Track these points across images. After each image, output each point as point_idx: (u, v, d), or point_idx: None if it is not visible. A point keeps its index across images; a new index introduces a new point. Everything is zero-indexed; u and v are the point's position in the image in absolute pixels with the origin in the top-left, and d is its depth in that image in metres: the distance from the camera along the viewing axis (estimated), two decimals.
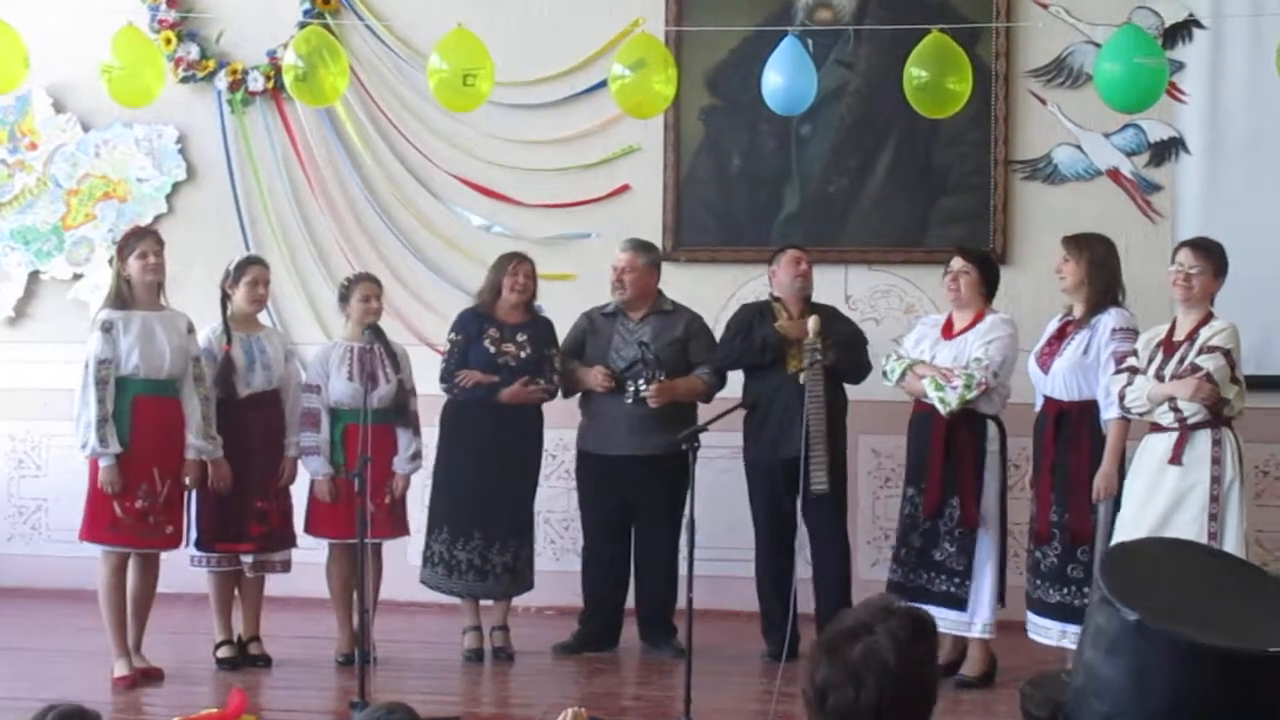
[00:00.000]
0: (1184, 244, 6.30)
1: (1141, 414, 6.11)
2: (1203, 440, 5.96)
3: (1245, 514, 5.93)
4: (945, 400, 6.51)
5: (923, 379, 6.60)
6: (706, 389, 7.24)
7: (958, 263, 6.79)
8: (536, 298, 7.33)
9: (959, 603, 6.59)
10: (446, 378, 7.17)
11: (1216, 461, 5.93)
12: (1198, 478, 5.94)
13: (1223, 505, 5.90)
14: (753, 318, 7.21)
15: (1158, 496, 6.00)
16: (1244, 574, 2.23)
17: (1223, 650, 2.00)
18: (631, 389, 7.09)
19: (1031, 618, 6.47)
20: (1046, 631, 6.39)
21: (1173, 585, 2.12)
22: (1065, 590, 6.31)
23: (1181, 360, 6.00)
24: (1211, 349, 5.95)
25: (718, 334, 7.44)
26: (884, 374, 6.81)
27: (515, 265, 7.20)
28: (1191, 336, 6.05)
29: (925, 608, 6.62)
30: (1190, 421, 5.96)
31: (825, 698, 2.44)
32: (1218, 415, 5.96)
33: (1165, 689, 2.03)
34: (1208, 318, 6.09)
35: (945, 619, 6.60)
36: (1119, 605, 2.06)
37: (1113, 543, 6.06)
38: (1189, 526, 5.88)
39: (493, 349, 7.14)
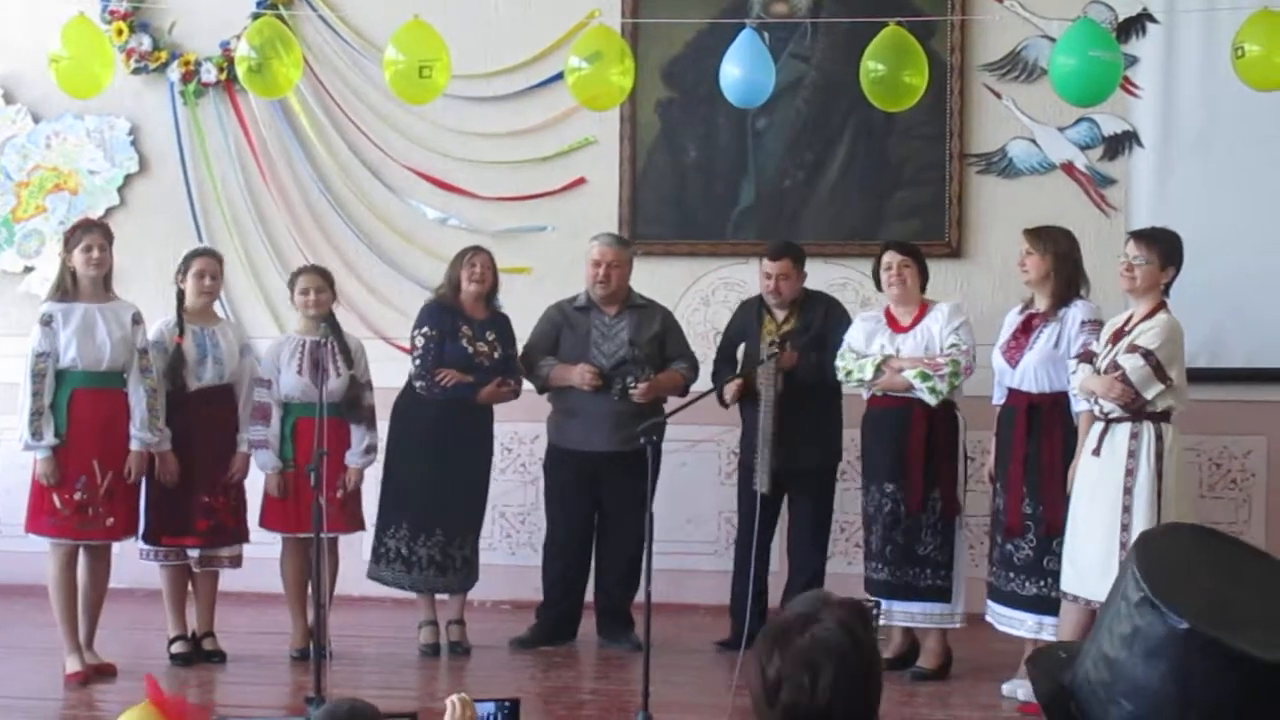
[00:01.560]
0: (1131, 234, 6.31)
1: (1081, 398, 6.15)
2: (1122, 433, 5.97)
3: (1162, 511, 5.86)
4: (936, 390, 6.52)
5: (902, 372, 6.61)
6: (685, 382, 7.24)
7: (896, 257, 6.77)
8: (498, 291, 7.29)
9: (944, 595, 6.62)
10: (423, 375, 7.10)
11: (1131, 455, 5.94)
12: (1113, 472, 5.95)
13: (1134, 499, 5.90)
14: (745, 324, 7.24)
15: (1080, 486, 6.06)
16: (1270, 569, 2.19)
17: (1273, 662, 1.98)
18: (619, 386, 7.07)
19: (1000, 609, 6.45)
20: (1020, 624, 6.37)
21: (1208, 584, 2.08)
22: (1041, 583, 6.29)
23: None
24: (1134, 348, 5.96)
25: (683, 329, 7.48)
26: (847, 373, 6.78)
27: (472, 256, 7.18)
28: (1134, 329, 6.06)
29: (912, 604, 6.68)
30: (1110, 416, 5.99)
31: (779, 690, 2.38)
32: (1139, 412, 5.97)
33: (1208, 695, 2.00)
34: (1158, 308, 6.08)
35: (930, 613, 6.64)
36: (1167, 610, 2.02)
37: (1066, 535, 6.10)
38: (1101, 519, 5.91)
39: (469, 348, 7.10)
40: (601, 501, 7.24)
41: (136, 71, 8.49)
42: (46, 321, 6.53)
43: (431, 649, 7.12)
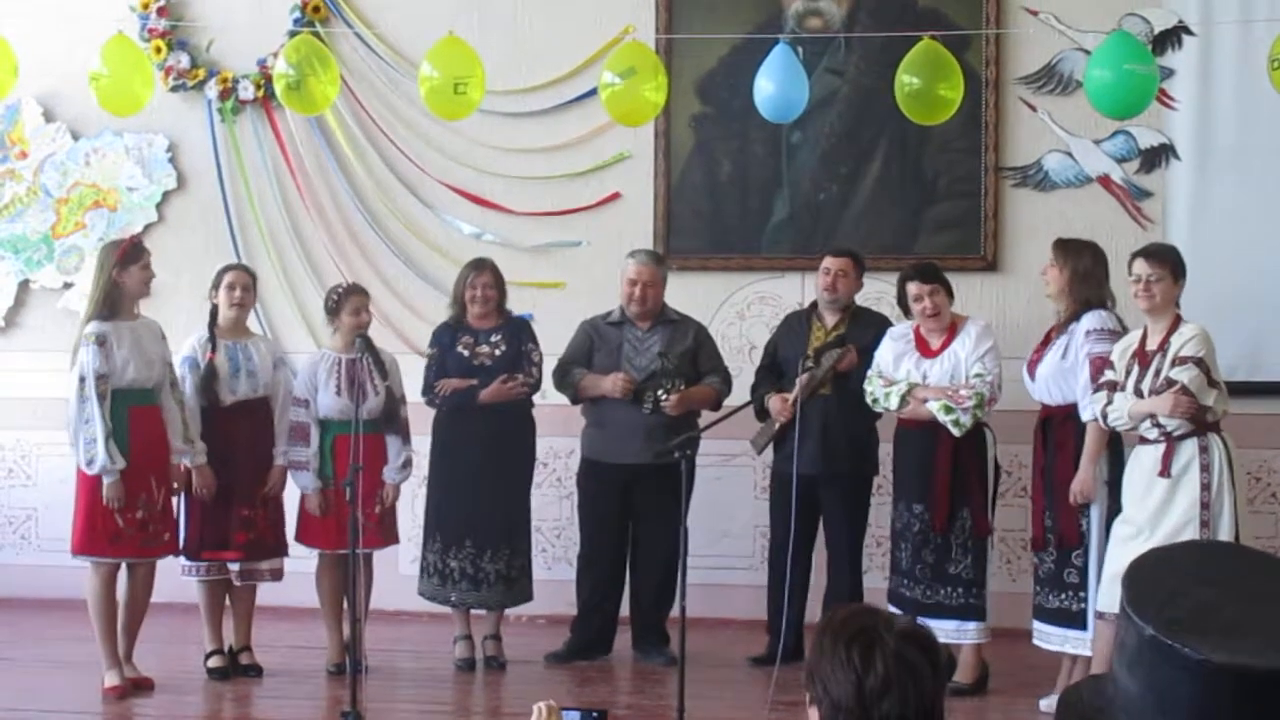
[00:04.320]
0: (1137, 254, 6.25)
1: (1125, 429, 6.13)
2: (1189, 450, 5.94)
3: (1237, 519, 5.92)
4: (960, 423, 6.50)
5: (926, 402, 6.59)
6: (718, 396, 7.24)
7: (924, 288, 6.68)
8: (506, 300, 7.29)
9: (978, 613, 6.60)
10: (427, 391, 7.17)
11: (1205, 469, 5.91)
12: (1187, 488, 5.92)
13: (1214, 513, 5.88)
14: (790, 335, 7.24)
15: (1149, 508, 5.98)
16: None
17: (1238, 666, 1.96)
18: (650, 399, 7.08)
19: (1035, 625, 6.47)
20: (1048, 637, 6.37)
21: (1201, 594, 2.07)
22: (1063, 595, 6.29)
23: (1157, 373, 5.99)
24: (1184, 359, 5.94)
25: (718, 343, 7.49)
26: (873, 400, 6.77)
27: (474, 276, 7.17)
28: (1163, 346, 6.03)
29: (946, 622, 6.67)
30: (1175, 434, 5.96)
31: (883, 699, 2.26)
32: (1201, 423, 5.95)
33: (1184, 705, 1.99)
34: (1176, 322, 6.07)
35: (965, 629, 6.60)
36: (1135, 618, 2.03)
37: (1110, 554, 6.07)
38: (1180, 536, 5.86)
39: (466, 353, 7.13)
40: (635, 515, 7.24)
41: (175, 89, 8.56)
42: (102, 341, 6.47)
43: (466, 663, 7.13)
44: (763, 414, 7.13)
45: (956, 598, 6.60)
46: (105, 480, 6.41)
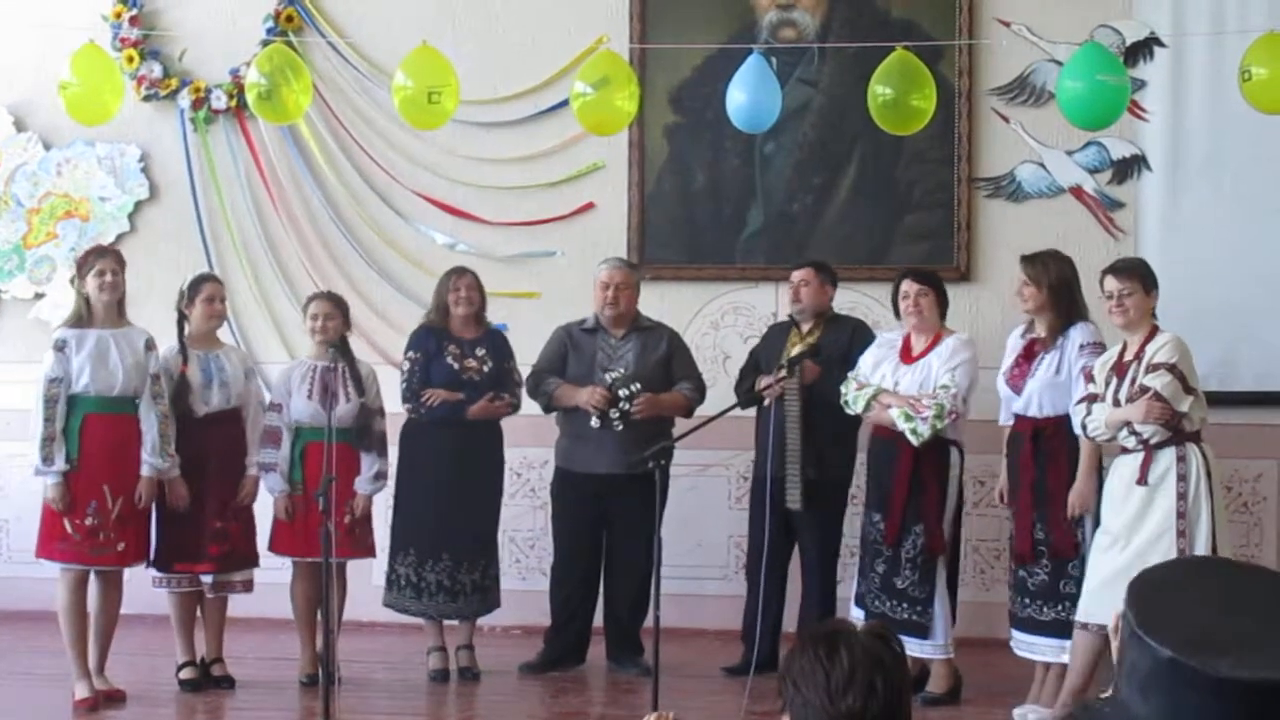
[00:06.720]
0: (1106, 271, 6.28)
1: (1105, 440, 6.14)
2: (1166, 458, 5.96)
3: (1217, 528, 5.93)
4: (917, 431, 6.49)
5: (889, 408, 6.59)
6: (689, 403, 7.24)
7: (914, 286, 6.73)
8: (486, 309, 7.29)
9: (921, 630, 6.57)
10: (410, 397, 7.12)
11: (1182, 478, 5.93)
12: (1163, 497, 5.94)
13: (1190, 522, 5.90)
14: (771, 341, 7.26)
15: (1125, 517, 6.01)
16: (1275, 586, 2.17)
17: (1263, 681, 1.96)
18: (617, 411, 7.04)
19: (1020, 636, 6.46)
20: (1042, 649, 6.34)
21: (1203, 610, 2.05)
22: (1059, 607, 6.28)
23: (1132, 382, 6.02)
24: (1156, 366, 5.97)
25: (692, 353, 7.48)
26: (844, 402, 6.78)
27: (456, 279, 7.18)
28: (1139, 355, 6.06)
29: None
30: (1152, 442, 5.98)
31: (846, 693, 2.28)
32: (1178, 431, 5.97)
33: None
34: (1153, 333, 6.11)
35: (923, 646, 6.59)
36: (1150, 641, 2.01)
37: (1090, 564, 6.09)
38: (1157, 545, 5.89)
39: (456, 365, 7.11)
40: (609, 525, 7.23)
41: (147, 99, 8.52)
42: (60, 347, 6.55)
43: (440, 674, 7.11)
44: (749, 403, 7.09)
45: (902, 612, 6.59)
46: (47, 482, 6.49)
